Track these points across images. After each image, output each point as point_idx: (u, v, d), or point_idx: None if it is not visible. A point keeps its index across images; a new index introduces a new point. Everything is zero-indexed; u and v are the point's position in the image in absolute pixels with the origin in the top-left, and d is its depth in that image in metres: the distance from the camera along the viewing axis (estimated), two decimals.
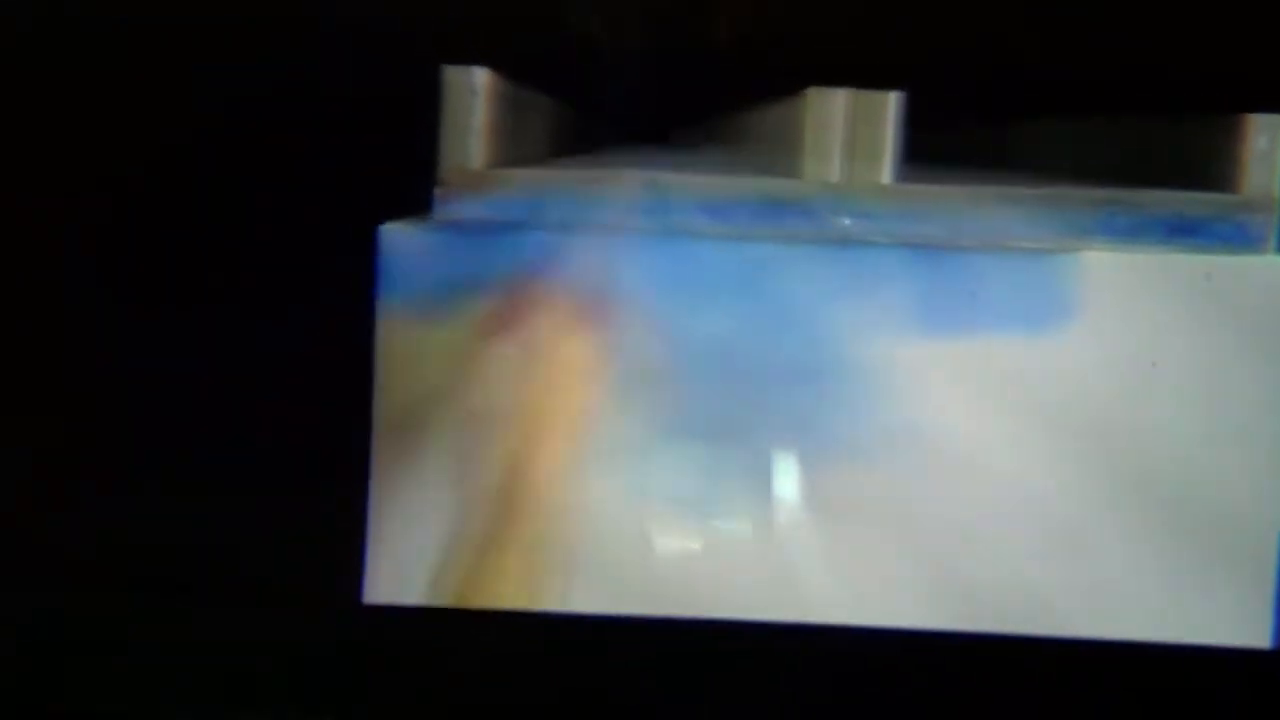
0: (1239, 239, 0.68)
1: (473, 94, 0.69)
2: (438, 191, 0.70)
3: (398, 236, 0.70)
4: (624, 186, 0.70)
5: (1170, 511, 0.69)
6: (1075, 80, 0.91)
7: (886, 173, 0.69)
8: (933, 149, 0.78)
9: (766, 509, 0.71)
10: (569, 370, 0.69)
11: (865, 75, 0.70)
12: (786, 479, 0.71)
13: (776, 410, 0.70)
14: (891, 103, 0.69)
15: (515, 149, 0.74)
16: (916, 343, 0.69)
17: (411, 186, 0.71)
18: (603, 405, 0.70)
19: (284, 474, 0.94)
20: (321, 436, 0.84)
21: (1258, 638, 0.69)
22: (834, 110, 0.69)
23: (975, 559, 0.70)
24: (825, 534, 0.70)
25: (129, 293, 0.97)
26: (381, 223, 0.70)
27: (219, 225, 0.95)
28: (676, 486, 0.71)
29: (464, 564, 0.67)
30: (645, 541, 0.70)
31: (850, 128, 0.69)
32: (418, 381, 0.71)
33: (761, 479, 0.70)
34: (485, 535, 0.67)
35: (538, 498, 0.69)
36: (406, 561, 0.72)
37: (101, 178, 0.96)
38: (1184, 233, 0.68)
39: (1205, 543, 0.69)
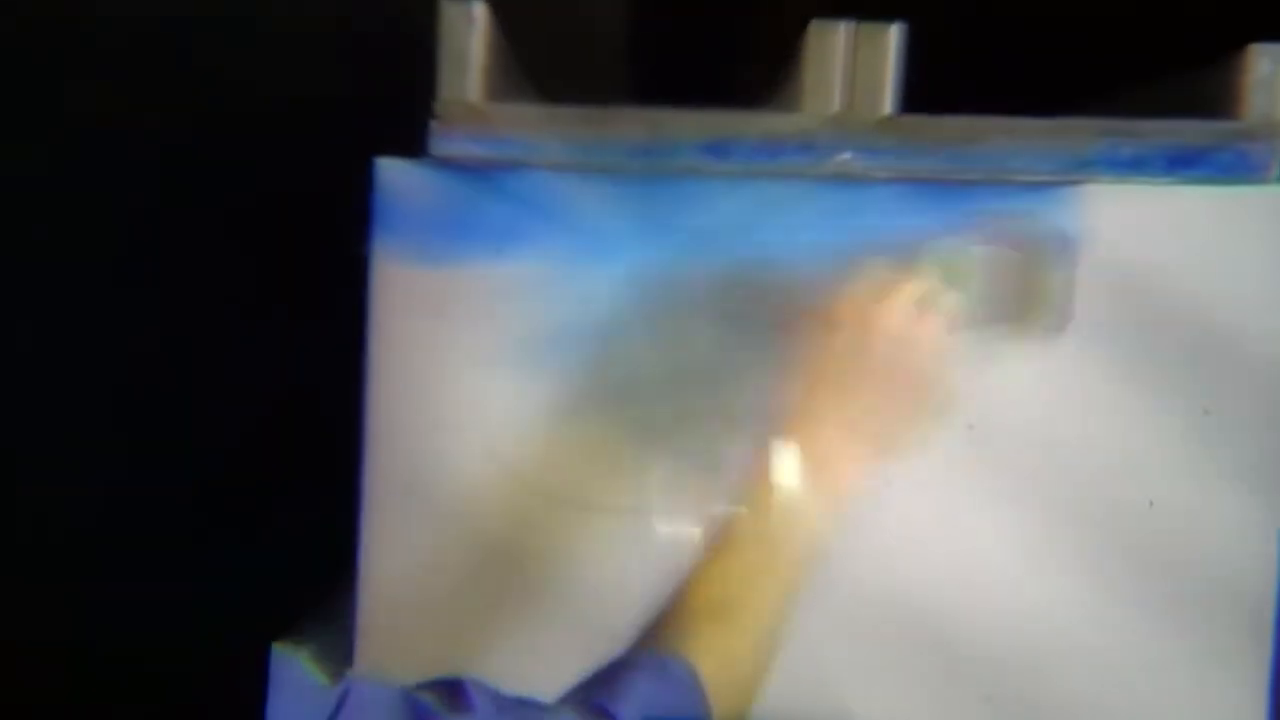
0: (1241, 167, 0.67)
1: (470, 26, 0.68)
2: (434, 125, 0.69)
3: (394, 173, 0.70)
4: (623, 124, 0.70)
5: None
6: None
7: (887, 105, 0.69)
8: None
9: None
10: None
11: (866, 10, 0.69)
12: None
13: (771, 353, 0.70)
14: (892, 35, 0.68)
15: (512, 86, 0.74)
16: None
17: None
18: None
19: None
20: None
21: None
22: (834, 44, 0.69)
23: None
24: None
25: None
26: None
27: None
28: None
29: None
30: None
31: (851, 61, 0.69)
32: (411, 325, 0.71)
33: None
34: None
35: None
36: None
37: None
38: (1186, 163, 0.68)
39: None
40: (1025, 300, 0.69)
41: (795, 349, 0.66)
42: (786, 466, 0.61)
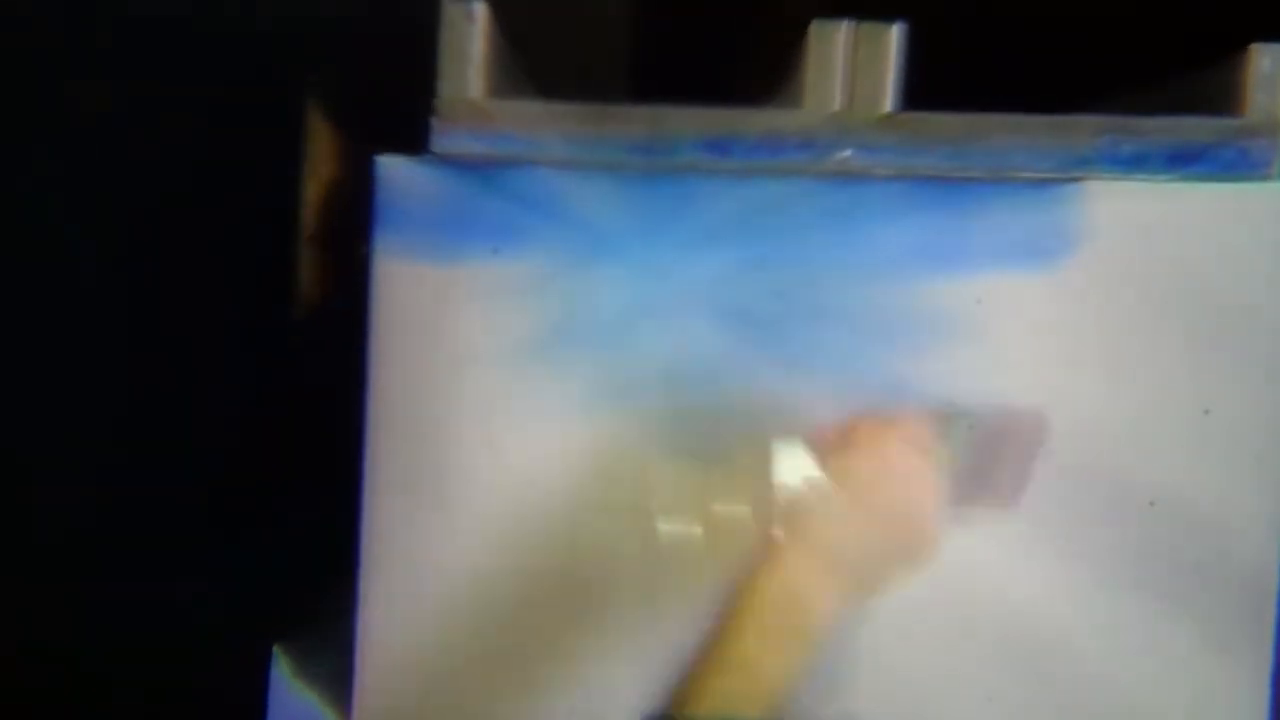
0: (1242, 165, 0.67)
1: (470, 23, 0.68)
2: (435, 123, 0.69)
3: (394, 170, 0.70)
4: (624, 121, 0.70)
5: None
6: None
7: (888, 103, 0.69)
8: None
9: None
10: None
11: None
12: None
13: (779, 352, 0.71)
14: (894, 35, 0.69)
15: (513, 84, 0.74)
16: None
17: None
18: None
19: None
20: None
21: None
22: (835, 43, 0.69)
23: None
24: None
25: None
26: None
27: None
28: None
29: None
30: None
31: (851, 60, 0.69)
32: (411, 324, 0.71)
33: None
34: None
35: None
36: None
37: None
38: (1187, 160, 0.68)
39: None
40: (991, 481, 0.69)
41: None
42: (763, 593, 0.59)
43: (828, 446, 0.64)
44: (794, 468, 0.63)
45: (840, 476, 0.62)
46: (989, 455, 0.68)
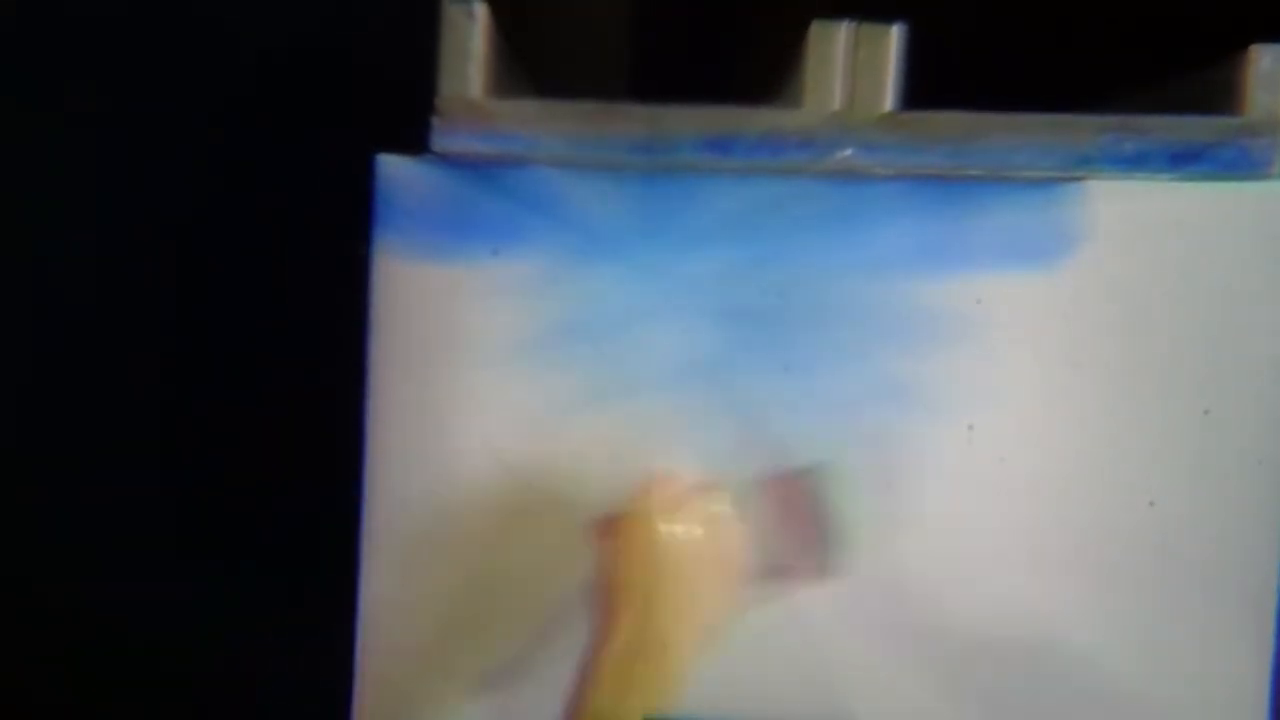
0: (1243, 164, 0.67)
1: (471, 22, 0.69)
2: (436, 122, 0.69)
3: (395, 169, 0.70)
4: (625, 120, 0.70)
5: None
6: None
7: (888, 102, 0.69)
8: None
9: None
10: None
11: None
12: None
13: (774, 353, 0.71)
14: (894, 34, 0.69)
15: (513, 83, 0.74)
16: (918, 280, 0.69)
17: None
18: None
19: None
20: None
21: None
22: (835, 42, 0.69)
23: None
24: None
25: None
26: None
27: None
28: None
29: None
30: None
31: (852, 59, 0.69)
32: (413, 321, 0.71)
33: None
34: None
35: None
36: None
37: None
38: (1187, 159, 0.68)
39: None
40: (798, 546, 0.70)
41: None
42: (626, 653, 0.63)
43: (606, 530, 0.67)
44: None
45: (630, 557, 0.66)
46: (773, 525, 0.70)
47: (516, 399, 0.71)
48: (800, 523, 0.70)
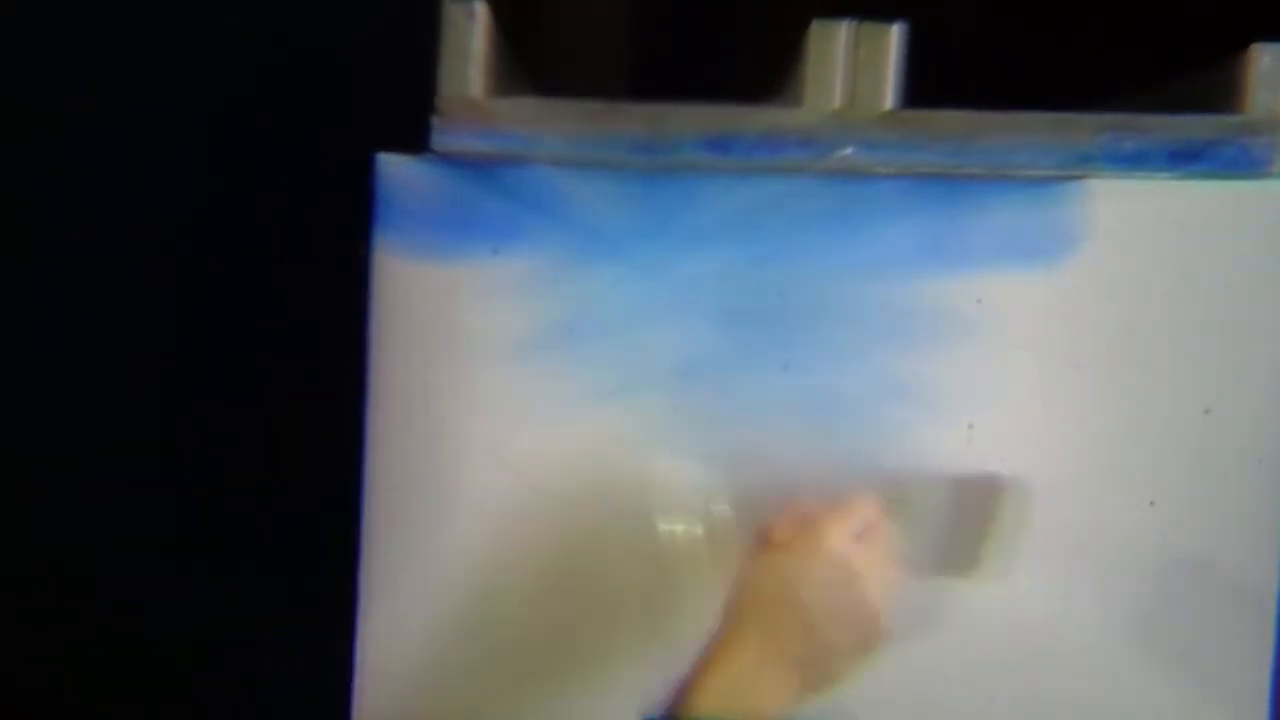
0: (1243, 162, 0.67)
1: (471, 22, 0.69)
2: (436, 121, 0.69)
3: (395, 168, 0.70)
4: (625, 119, 0.70)
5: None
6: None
7: (889, 101, 0.69)
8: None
9: None
10: None
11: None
12: None
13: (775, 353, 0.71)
14: (894, 34, 0.69)
15: (513, 82, 0.74)
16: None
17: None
18: None
19: None
20: None
21: None
22: (836, 41, 0.69)
23: None
24: None
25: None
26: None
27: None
28: None
29: None
30: None
31: (852, 58, 0.69)
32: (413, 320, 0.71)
33: None
34: None
35: None
36: None
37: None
38: (1187, 158, 0.68)
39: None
40: (963, 548, 0.70)
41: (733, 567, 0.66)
42: (709, 688, 0.60)
43: (776, 541, 0.64)
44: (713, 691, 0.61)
45: (789, 574, 0.63)
46: (952, 523, 0.69)
47: (516, 398, 0.71)
48: (971, 525, 0.70)
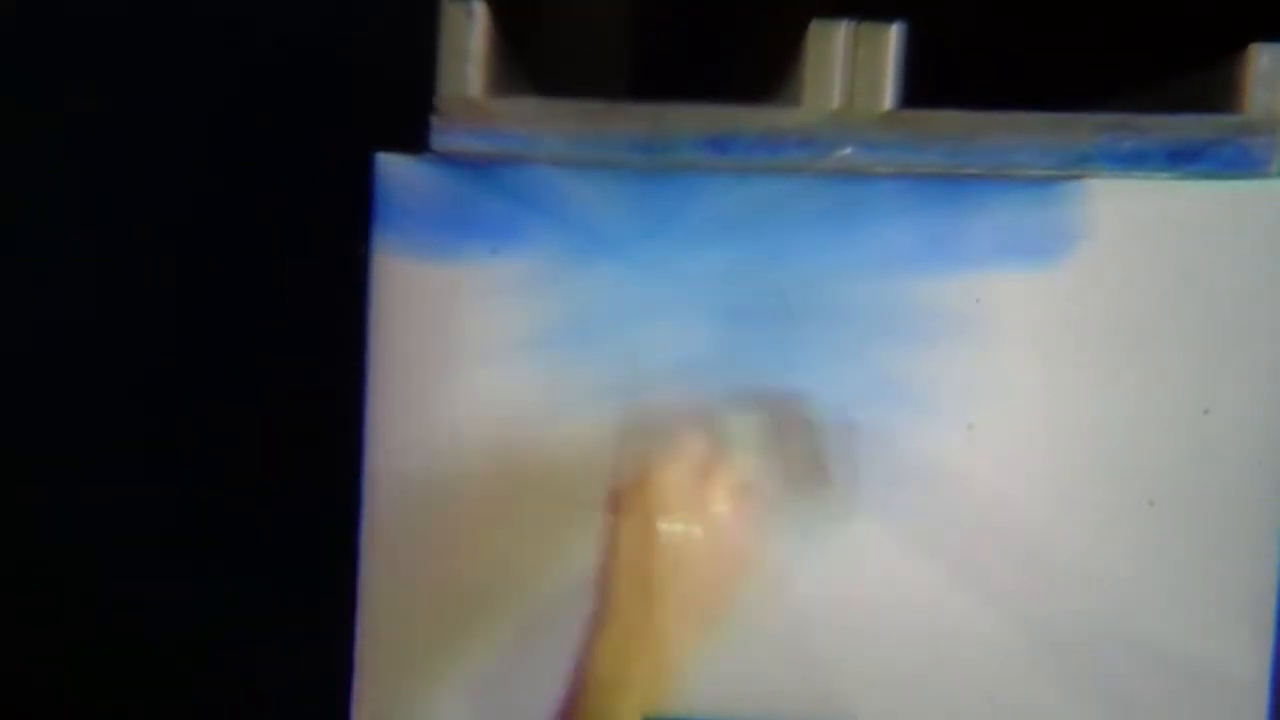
0: (1242, 162, 0.67)
1: (470, 21, 0.69)
2: (435, 121, 0.69)
3: (394, 168, 0.70)
4: (624, 119, 0.70)
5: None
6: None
7: (888, 100, 0.69)
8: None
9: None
10: None
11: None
12: None
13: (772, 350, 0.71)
14: (893, 34, 0.69)
15: (513, 81, 0.74)
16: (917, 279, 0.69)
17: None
18: None
19: None
20: None
21: None
22: (835, 41, 0.69)
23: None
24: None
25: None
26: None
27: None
28: None
29: None
30: None
31: (851, 58, 0.69)
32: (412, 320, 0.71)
33: None
34: None
35: None
36: None
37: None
38: (1186, 158, 0.68)
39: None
40: (802, 474, 0.70)
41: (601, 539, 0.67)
42: (598, 670, 0.62)
43: (624, 507, 0.66)
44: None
45: (644, 533, 0.65)
46: (785, 443, 0.70)
47: (516, 398, 0.71)
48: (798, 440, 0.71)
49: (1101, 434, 0.70)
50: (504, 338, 0.71)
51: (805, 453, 0.70)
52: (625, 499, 0.66)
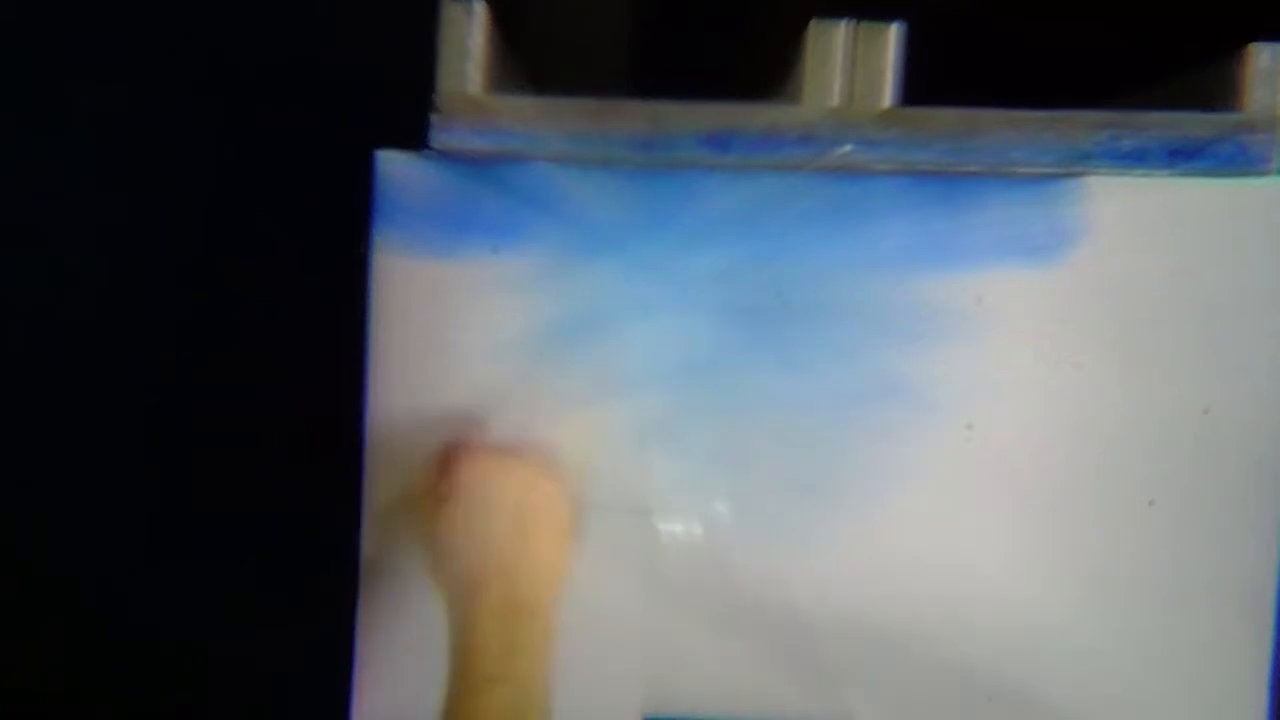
0: (1242, 160, 0.67)
1: (470, 19, 0.69)
2: (435, 118, 0.70)
3: (394, 165, 0.70)
4: (624, 116, 0.70)
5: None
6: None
7: (887, 98, 0.69)
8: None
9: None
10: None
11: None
12: None
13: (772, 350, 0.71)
14: (892, 32, 0.69)
15: (512, 80, 0.74)
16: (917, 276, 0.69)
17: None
18: None
19: None
20: None
21: None
22: (835, 39, 0.69)
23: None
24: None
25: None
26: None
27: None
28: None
29: None
30: None
31: (851, 56, 0.69)
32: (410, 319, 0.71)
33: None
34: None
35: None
36: None
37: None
38: (1186, 155, 0.68)
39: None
40: None
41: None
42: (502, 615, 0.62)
43: (443, 494, 0.66)
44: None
45: (458, 520, 0.66)
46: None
47: (515, 395, 0.71)
48: None
49: (1101, 434, 0.70)
50: (504, 334, 0.71)
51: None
52: (442, 489, 0.67)
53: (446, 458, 0.68)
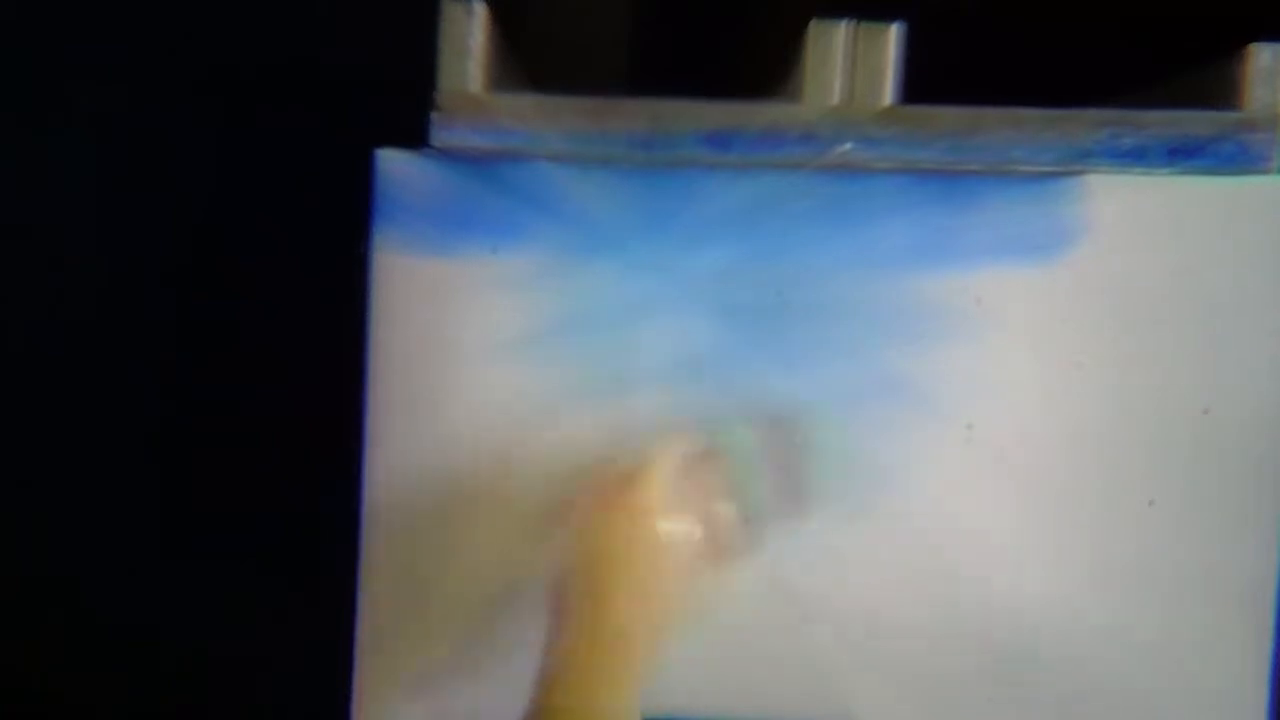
0: (1242, 159, 0.68)
1: (470, 18, 0.69)
2: (435, 117, 0.70)
3: (394, 164, 0.70)
4: (624, 116, 0.70)
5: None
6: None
7: (888, 97, 0.69)
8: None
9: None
10: None
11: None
12: None
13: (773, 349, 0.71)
14: (892, 31, 0.69)
15: (512, 79, 0.74)
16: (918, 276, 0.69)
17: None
18: None
19: None
20: None
21: None
22: (835, 38, 0.69)
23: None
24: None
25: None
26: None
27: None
28: None
29: None
30: None
31: (851, 54, 0.69)
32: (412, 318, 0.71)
33: None
34: None
35: None
36: None
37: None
38: (1187, 154, 0.68)
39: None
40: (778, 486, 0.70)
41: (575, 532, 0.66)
42: (584, 647, 0.61)
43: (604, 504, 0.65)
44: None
45: (614, 541, 0.64)
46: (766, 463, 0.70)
47: (516, 395, 0.71)
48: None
49: (1101, 434, 0.70)
50: (504, 333, 0.71)
51: (785, 477, 0.70)
52: (600, 499, 0.65)
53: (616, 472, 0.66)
